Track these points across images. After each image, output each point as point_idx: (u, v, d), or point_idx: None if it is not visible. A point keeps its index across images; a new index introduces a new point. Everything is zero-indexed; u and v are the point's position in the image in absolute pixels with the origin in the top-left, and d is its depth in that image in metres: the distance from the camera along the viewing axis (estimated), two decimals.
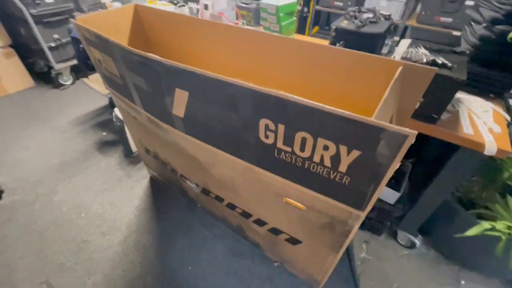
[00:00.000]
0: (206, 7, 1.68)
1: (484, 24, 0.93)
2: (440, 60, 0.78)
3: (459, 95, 1.02)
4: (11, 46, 2.27)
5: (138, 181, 1.61)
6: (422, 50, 0.85)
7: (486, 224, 0.84)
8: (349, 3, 2.53)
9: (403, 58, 0.84)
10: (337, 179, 0.61)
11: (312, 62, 0.85)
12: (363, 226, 1.39)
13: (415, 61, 0.80)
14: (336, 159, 0.57)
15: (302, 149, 0.61)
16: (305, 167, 0.64)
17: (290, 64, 0.92)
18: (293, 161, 0.65)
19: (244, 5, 1.64)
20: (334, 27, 1.15)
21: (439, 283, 1.21)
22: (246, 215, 1.04)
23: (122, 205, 1.47)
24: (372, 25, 1.14)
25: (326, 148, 0.57)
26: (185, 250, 1.28)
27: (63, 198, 1.50)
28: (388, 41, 1.33)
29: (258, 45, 0.95)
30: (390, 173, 0.53)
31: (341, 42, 1.10)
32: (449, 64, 0.77)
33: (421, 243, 1.30)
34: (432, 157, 1.41)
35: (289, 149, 0.63)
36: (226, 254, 1.27)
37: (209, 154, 0.87)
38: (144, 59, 0.73)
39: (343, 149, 0.55)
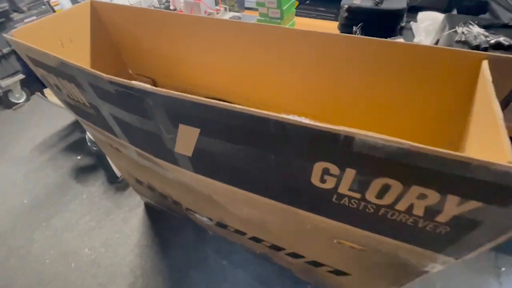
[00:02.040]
0: None
1: None
2: (506, 41, 0.62)
3: None
4: None
5: (131, 211, 1.38)
6: (476, 29, 0.68)
7: None
8: None
9: (458, 41, 0.67)
10: (428, 228, 0.45)
11: (344, 61, 0.66)
12: None
13: (476, 46, 0.64)
14: (435, 209, 0.41)
15: (380, 196, 0.44)
16: (379, 213, 0.48)
17: (310, 66, 0.72)
18: (360, 208, 0.49)
19: None
20: (346, 6, 0.95)
21: (478, 271, 1.14)
22: (277, 248, 0.88)
23: (117, 245, 1.25)
24: (390, 0, 0.95)
25: (422, 197, 0.41)
26: (203, 287, 1.11)
27: (44, 247, 1.26)
28: None
29: (259, 42, 0.73)
30: None
31: (360, 25, 0.90)
32: None
33: None
34: None
35: (357, 196, 0.46)
36: (251, 284, 1.12)
37: (229, 194, 0.68)
38: (127, 88, 0.51)
39: (452, 199, 0.39)
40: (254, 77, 0.83)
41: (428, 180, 0.38)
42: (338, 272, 0.82)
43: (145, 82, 1.09)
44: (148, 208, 1.39)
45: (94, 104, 0.67)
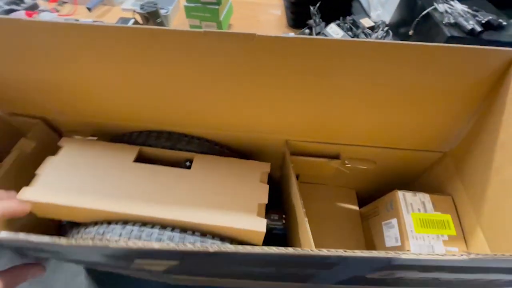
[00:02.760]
0: None
1: None
2: (494, 20, 0.55)
3: None
4: None
5: (68, 284, 1.04)
6: (458, 5, 0.59)
7: None
8: None
9: (447, 24, 0.56)
10: None
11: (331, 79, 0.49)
12: None
13: (470, 30, 0.55)
14: None
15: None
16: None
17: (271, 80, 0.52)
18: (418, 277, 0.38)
19: None
20: None
21: None
22: None
23: None
24: None
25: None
26: None
27: None
28: None
29: (189, 53, 0.48)
30: None
31: (318, 3, 0.74)
32: (504, 23, 0.56)
33: None
34: None
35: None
36: None
37: (224, 280, 0.49)
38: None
39: None
40: (195, 97, 0.59)
41: None
42: None
43: (31, 124, 0.71)
44: (92, 274, 1.07)
45: None
